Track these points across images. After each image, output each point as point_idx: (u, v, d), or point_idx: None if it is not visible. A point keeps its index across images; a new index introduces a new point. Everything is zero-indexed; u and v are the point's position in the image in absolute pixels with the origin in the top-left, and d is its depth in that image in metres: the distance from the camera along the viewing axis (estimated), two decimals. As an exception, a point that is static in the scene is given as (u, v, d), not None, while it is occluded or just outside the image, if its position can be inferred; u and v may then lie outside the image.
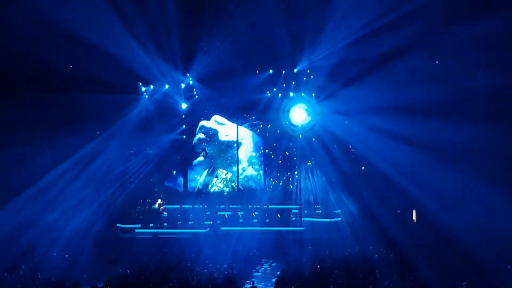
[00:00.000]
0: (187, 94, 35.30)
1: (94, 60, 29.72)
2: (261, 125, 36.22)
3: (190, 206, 32.79)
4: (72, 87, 30.15)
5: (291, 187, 34.82)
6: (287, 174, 35.71)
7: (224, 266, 23.64)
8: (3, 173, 28.79)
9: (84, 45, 28.63)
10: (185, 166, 36.53)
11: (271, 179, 35.91)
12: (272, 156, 36.18)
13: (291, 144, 35.63)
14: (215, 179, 36.37)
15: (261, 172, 36.20)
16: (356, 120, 32.56)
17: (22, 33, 27.15)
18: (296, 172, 35.15)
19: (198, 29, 31.00)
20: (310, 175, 34.75)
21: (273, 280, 23.35)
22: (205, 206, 32.75)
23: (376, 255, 24.50)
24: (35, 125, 29.64)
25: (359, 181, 32.90)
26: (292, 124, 34.77)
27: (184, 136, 36.31)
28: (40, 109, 29.64)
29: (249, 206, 32.66)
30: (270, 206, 32.99)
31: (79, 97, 30.01)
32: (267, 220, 31.54)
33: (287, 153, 35.85)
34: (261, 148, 36.27)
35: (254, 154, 36.35)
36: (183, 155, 36.44)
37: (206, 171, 36.50)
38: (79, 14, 27.55)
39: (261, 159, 36.21)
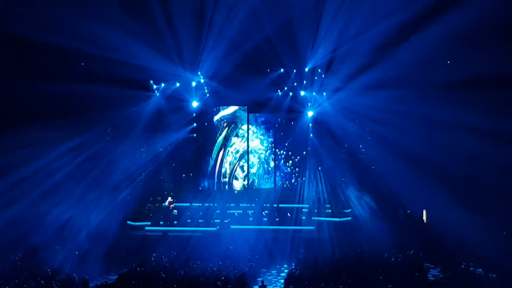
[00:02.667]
0: (198, 92, 35.34)
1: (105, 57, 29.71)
2: (275, 126, 36.20)
3: (200, 204, 32.81)
4: (84, 81, 30.19)
5: (302, 186, 34.72)
6: (298, 172, 35.75)
7: (233, 264, 23.74)
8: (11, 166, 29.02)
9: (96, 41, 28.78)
10: (197, 163, 36.71)
11: (282, 178, 36.07)
12: (283, 154, 36.21)
13: (302, 141, 35.57)
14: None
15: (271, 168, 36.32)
16: (368, 120, 32.58)
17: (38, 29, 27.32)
18: (306, 173, 35.14)
19: (208, 27, 31.05)
20: (320, 174, 34.74)
21: (282, 280, 23.52)
22: (215, 204, 32.77)
23: (388, 255, 24.60)
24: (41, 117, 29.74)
25: (368, 180, 32.96)
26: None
27: (195, 135, 36.33)
28: (48, 102, 29.66)
29: (265, 205, 32.72)
30: (280, 205, 32.94)
31: (90, 91, 30.14)
32: (277, 219, 31.44)
33: (301, 154, 35.86)
34: (272, 145, 36.28)
35: (264, 152, 36.41)
36: (194, 152, 36.51)
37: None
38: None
39: (272, 157, 36.24)
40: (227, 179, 36.49)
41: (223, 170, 36.61)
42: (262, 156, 36.34)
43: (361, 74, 31.07)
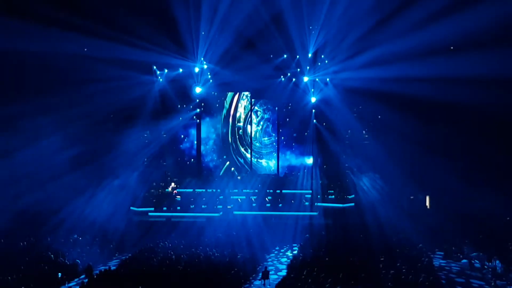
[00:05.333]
0: (201, 78, 35.20)
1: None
2: (277, 112, 36.10)
3: (204, 190, 32.86)
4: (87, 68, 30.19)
5: (305, 172, 34.70)
6: (301, 158, 35.74)
7: (237, 250, 23.76)
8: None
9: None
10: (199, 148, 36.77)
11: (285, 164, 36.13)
12: (286, 140, 36.23)
13: (305, 127, 35.55)
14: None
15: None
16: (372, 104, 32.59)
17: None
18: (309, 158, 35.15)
19: (212, 13, 30.93)
20: (319, 161, 34.82)
21: (285, 266, 23.63)
22: (218, 190, 32.80)
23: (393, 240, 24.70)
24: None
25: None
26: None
27: (198, 120, 36.30)
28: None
29: (268, 191, 32.81)
30: (283, 191, 32.95)
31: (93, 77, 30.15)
32: (280, 205, 31.47)
33: (304, 139, 35.81)
34: (273, 130, 36.27)
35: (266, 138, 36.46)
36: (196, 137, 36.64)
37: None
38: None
39: (275, 144, 36.19)
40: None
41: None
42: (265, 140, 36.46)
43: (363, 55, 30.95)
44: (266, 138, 36.18)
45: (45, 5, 27.12)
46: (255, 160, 36.35)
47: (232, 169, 36.38)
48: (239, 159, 36.49)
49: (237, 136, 36.36)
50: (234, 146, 36.42)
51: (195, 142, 36.67)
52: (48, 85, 30.06)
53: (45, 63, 29.02)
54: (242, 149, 36.41)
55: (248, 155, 36.26)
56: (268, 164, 36.30)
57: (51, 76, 29.86)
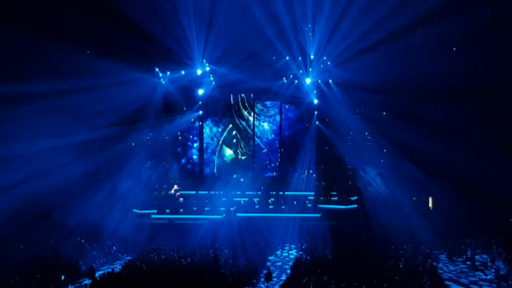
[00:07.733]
0: (203, 80, 35.24)
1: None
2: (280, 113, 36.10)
3: (206, 192, 32.85)
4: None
5: (307, 173, 34.66)
6: (303, 159, 35.68)
7: (240, 252, 23.76)
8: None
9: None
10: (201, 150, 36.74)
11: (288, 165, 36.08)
12: (288, 141, 36.25)
13: (307, 128, 35.57)
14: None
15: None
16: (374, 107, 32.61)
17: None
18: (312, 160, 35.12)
19: (214, 14, 30.99)
20: (326, 161, 34.79)
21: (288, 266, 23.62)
22: (221, 192, 32.79)
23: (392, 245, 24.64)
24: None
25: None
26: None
27: (200, 122, 36.32)
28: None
29: (271, 193, 32.81)
30: (286, 193, 32.92)
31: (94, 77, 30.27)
32: (283, 207, 31.45)
33: (306, 140, 35.79)
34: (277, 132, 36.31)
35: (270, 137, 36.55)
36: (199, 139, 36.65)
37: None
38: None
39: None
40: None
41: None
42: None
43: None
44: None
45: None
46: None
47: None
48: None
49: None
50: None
51: (198, 143, 36.71)
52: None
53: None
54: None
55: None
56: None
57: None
